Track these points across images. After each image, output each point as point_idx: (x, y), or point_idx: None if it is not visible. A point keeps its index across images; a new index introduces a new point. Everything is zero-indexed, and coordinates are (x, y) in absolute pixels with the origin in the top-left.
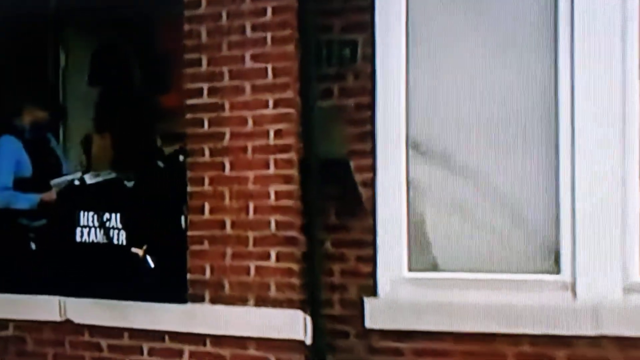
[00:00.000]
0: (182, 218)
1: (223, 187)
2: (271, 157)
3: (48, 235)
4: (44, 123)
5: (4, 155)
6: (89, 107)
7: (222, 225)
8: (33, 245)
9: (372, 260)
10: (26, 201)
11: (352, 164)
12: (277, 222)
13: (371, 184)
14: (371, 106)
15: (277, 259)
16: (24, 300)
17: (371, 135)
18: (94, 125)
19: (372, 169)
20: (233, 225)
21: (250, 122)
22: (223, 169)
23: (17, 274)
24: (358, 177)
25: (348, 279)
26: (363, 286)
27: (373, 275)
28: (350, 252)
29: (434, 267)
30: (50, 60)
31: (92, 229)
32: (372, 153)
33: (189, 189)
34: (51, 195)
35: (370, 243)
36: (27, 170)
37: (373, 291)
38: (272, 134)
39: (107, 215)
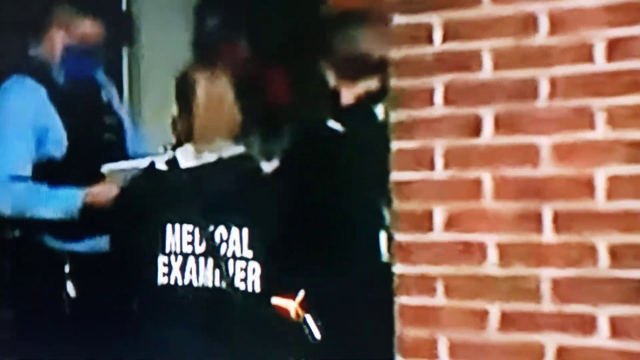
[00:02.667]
0: (381, 235)
1: (480, 171)
2: (597, 103)
3: (100, 271)
4: (90, 48)
5: (12, 114)
6: (183, 16)
7: (480, 252)
8: (71, 290)
9: None
10: (57, 204)
11: None
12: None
13: None
14: None
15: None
16: None
17: None
18: (196, 53)
19: None
20: (504, 253)
21: (544, 20)
22: (477, 132)
23: (46, 341)
24: None
25: None
26: None
27: None
28: None
29: None
30: None
31: (192, 260)
32: None
33: (396, 176)
34: (105, 192)
35: None
36: (58, 145)
37: None
38: (599, 51)
39: (222, 232)
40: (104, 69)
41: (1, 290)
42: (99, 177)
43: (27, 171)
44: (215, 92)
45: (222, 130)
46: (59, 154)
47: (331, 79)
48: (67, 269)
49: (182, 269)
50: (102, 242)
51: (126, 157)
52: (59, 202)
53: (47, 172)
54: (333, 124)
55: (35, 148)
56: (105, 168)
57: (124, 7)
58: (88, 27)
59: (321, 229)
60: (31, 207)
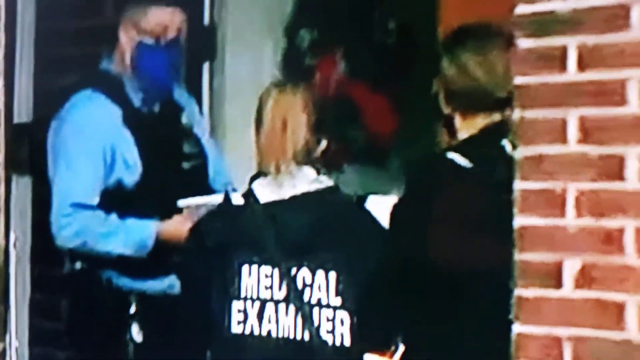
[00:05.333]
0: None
1: (622, 221)
2: None
3: (170, 315)
4: (168, 42)
5: (82, 134)
6: (272, 29)
7: (618, 314)
8: (137, 334)
9: None
10: (127, 236)
11: None
12: None
13: None
14: None
15: None
16: None
17: None
18: (284, 69)
19: None
20: None
21: None
22: (619, 175)
23: None
24: None
25: None
26: None
27: None
28: None
29: None
30: None
31: (271, 306)
32: None
33: (520, 220)
34: (181, 227)
35: None
36: (131, 172)
37: None
38: None
39: (305, 275)
40: (183, 85)
41: (58, 328)
42: (175, 210)
43: (94, 200)
44: (283, 112)
45: (306, 157)
46: (132, 182)
47: (444, 108)
48: (132, 310)
49: (260, 316)
50: (172, 283)
51: (207, 187)
52: (129, 235)
53: (117, 201)
54: (457, 157)
55: (105, 175)
56: (182, 202)
57: (206, 20)
58: (161, 15)
59: (427, 275)
60: (96, 239)
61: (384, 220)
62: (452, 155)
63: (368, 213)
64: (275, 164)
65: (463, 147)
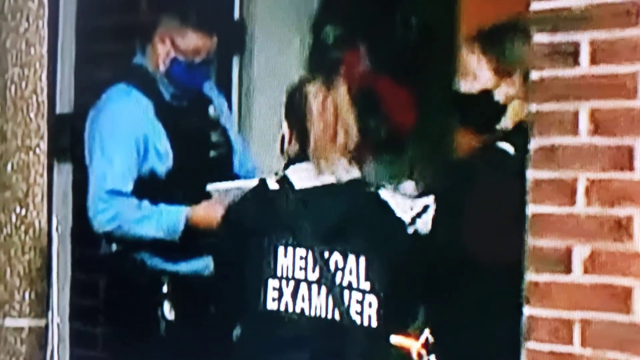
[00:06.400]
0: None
1: (630, 210)
2: None
3: (201, 294)
4: (199, 62)
5: (117, 126)
6: (299, 24)
7: (625, 298)
8: (168, 312)
9: None
10: (159, 221)
11: None
12: None
13: None
14: None
15: None
16: None
17: None
18: (312, 64)
19: None
20: None
21: None
22: (629, 165)
23: None
24: None
25: None
26: None
27: None
28: None
29: None
30: None
31: (304, 286)
32: None
33: (532, 209)
34: (210, 212)
35: None
36: (163, 161)
37: None
38: None
39: (337, 259)
40: (212, 83)
41: (96, 306)
42: (204, 196)
43: (128, 187)
44: (333, 106)
45: (339, 150)
46: (163, 170)
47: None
48: (164, 289)
49: (294, 295)
50: (204, 264)
51: (233, 175)
52: (161, 220)
53: (149, 188)
54: (504, 145)
55: (138, 163)
56: (211, 187)
57: (236, 15)
58: (196, 40)
59: (456, 263)
60: (130, 224)
61: (401, 212)
62: (501, 144)
63: (385, 204)
64: (327, 156)
65: (509, 136)
